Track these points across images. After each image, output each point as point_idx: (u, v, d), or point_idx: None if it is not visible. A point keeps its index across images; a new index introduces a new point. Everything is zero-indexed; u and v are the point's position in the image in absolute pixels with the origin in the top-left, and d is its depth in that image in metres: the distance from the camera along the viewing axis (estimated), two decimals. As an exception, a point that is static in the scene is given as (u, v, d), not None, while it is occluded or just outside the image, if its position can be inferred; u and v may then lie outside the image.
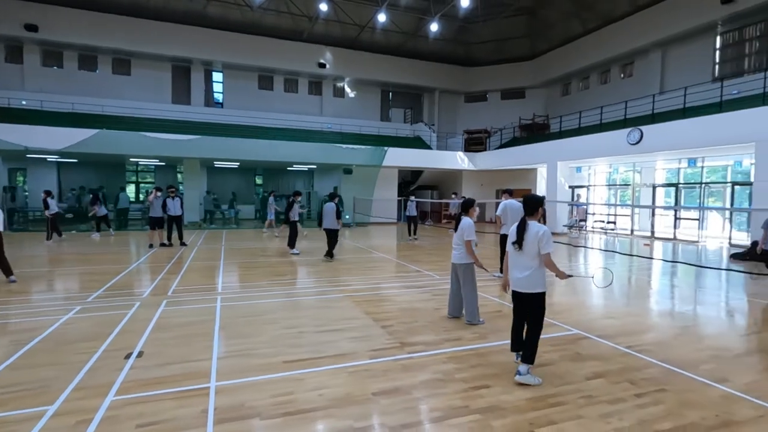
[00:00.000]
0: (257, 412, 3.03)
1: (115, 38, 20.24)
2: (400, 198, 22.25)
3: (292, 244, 11.32)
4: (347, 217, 21.39)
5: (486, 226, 21.64)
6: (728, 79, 15.89)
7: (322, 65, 24.13)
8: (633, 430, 2.87)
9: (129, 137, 16.95)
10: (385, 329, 4.99)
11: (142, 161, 21.07)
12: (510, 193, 8.18)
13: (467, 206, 5.45)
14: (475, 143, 24.70)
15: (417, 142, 24.94)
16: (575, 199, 20.20)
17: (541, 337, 4.38)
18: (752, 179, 12.20)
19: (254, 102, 23.78)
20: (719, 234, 16.13)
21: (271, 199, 17.14)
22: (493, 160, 22.87)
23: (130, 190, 22.85)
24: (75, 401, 3.15)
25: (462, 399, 3.29)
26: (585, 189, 20.94)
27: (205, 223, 19.59)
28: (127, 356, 4.03)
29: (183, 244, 12.49)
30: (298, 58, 23.71)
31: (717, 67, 17.11)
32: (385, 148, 21.17)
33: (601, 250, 13.60)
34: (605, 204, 20.14)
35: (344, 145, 20.73)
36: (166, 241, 12.32)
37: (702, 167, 16.53)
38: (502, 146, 23.80)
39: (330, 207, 10.09)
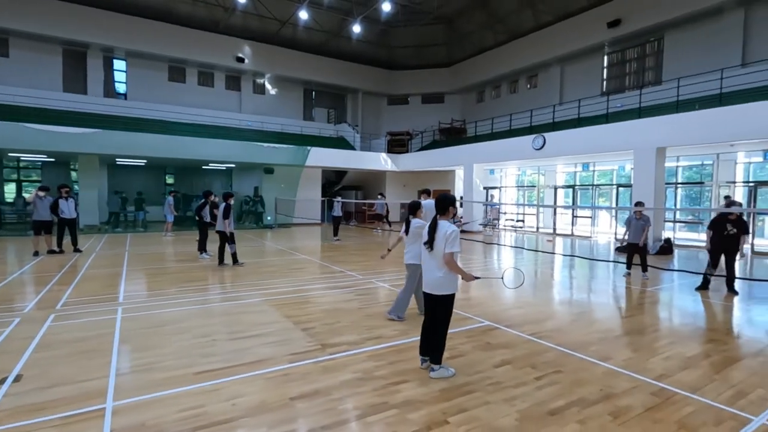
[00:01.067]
0: (162, 430, 2.80)
1: (-14, 13, 17.39)
2: (324, 198, 22.03)
3: (202, 247, 10.65)
4: (269, 218, 20.69)
5: (408, 226, 22.24)
6: (613, 94, 18.14)
7: (241, 59, 23.03)
8: (532, 411, 3.15)
9: (5, 128, 14.64)
10: (306, 332, 4.90)
11: (25, 156, 18.36)
12: (428, 194, 8.47)
13: (415, 208, 5.52)
14: (397, 145, 25.33)
15: (341, 143, 24.88)
16: (489, 199, 21.62)
17: (457, 329, 4.62)
18: (632, 182, 14.04)
19: (164, 95, 21.93)
20: (608, 230, 18.33)
21: (169, 199, 15.89)
22: (415, 161, 23.61)
23: (10, 189, 19.81)
24: (-73, 440, 2.65)
25: (380, 396, 3.35)
26: (498, 190, 22.50)
27: (108, 226, 17.66)
28: (0, 381, 3.48)
29: (77, 250, 11.12)
30: (214, 50, 22.35)
31: (605, 83, 19.42)
32: (308, 147, 20.81)
33: (512, 246, 14.71)
34: (515, 204, 21.83)
35: (265, 144, 19.99)
36: (55, 248, 10.87)
37: (594, 171, 18.66)
38: (423, 148, 24.66)
39: (220, 207, 9.45)
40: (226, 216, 9.21)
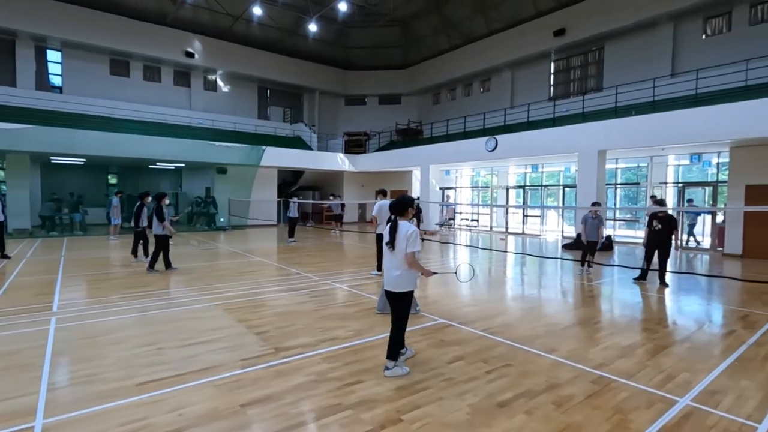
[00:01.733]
0: (99, 447, 2.63)
1: None
2: (280, 199, 21.59)
3: (144, 252, 10.06)
4: (222, 220, 19.99)
5: (366, 226, 22.31)
6: (559, 99, 19.11)
7: (190, 54, 22.08)
8: (482, 404, 3.25)
9: None
10: (260, 336, 4.78)
11: (-58, 154, 16.59)
12: (384, 194, 8.56)
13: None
14: (355, 145, 25.29)
15: (297, 142, 24.49)
16: (445, 199, 22.08)
17: (412, 328, 4.67)
18: (577, 182, 14.86)
19: (105, 89, 20.58)
20: (555, 228, 19.28)
21: (115, 200, 14.97)
22: (372, 162, 23.68)
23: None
24: None
25: (335, 397, 3.33)
26: (453, 190, 23.04)
27: (43, 230, 16.32)
28: None
29: (5, 256, 10.20)
30: (161, 43, 21.28)
31: (552, 88, 20.41)
32: (263, 147, 20.31)
33: (467, 246, 15.11)
34: (470, 204, 22.45)
35: (217, 143, 19.28)
36: (-22, 254, 9.92)
37: (542, 172, 19.56)
38: (380, 149, 24.78)
39: (151, 209, 8.90)
40: (160, 218, 8.60)
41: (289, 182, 26.64)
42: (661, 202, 8.50)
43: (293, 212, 15.06)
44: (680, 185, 15.17)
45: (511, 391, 3.46)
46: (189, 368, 3.84)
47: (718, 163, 13.96)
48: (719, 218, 13.14)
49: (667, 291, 7.45)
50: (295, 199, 15.55)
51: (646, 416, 3.08)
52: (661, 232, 7.71)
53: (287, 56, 25.29)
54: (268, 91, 26.51)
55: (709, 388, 3.57)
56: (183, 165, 21.12)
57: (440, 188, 21.62)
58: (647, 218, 8.18)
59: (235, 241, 15.02)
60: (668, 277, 8.04)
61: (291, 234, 14.90)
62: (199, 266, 9.50)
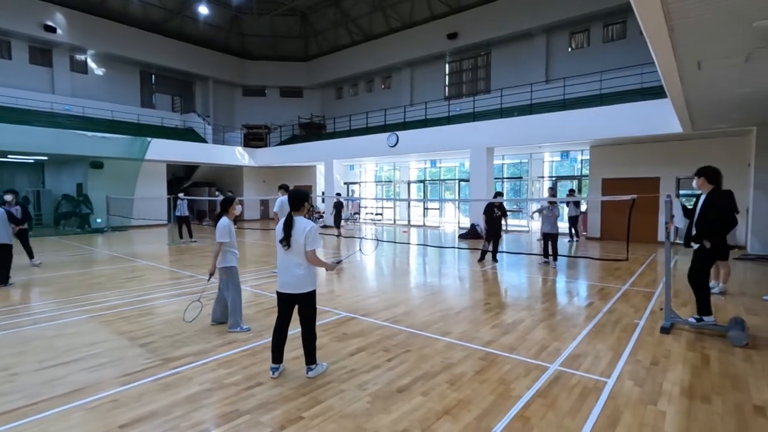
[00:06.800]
0: None
1: None
2: (170, 196, 19.66)
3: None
4: (99, 221, 17.60)
5: (271, 223, 21.48)
6: (453, 98, 20.41)
7: (51, 29, 18.90)
8: (382, 391, 3.35)
9: None
10: (144, 347, 4.32)
11: None
12: (287, 189, 8.30)
13: (227, 205, 5.10)
14: (254, 138, 24.08)
15: (189, 134, 22.51)
16: (350, 194, 22.23)
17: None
18: (470, 177, 16.05)
19: (-70, 63, 16.68)
20: (453, 219, 20.65)
21: None
22: (274, 156, 22.82)
23: None
24: None
25: (231, 404, 3.16)
26: (358, 185, 23.30)
27: None
28: None
29: None
30: (10, 13, 17.84)
31: (447, 88, 21.69)
32: (148, 138, 18.27)
33: (373, 239, 15.40)
34: (374, 198, 22.92)
35: (90, 133, 16.85)
36: None
37: (440, 168, 20.75)
38: (282, 143, 23.99)
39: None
40: (16, 221, 7.28)
41: (181, 178, 24.43)
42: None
43: (182, 211, 13.88)
44: (554, 178, 17.29)
45: (410, 376, 3.63)
46: (52, 393, 3.32)
47: (581, 160, 16.18)
48: (583, 207, 15.28)
49: (546, 271, 8.45)
50: (182, 196, 14.32)
51: (524, 383, 3.47)
52: (501, 218, 9.23)
53: (175, 39, 23.05)
54: (153, 76, 23.89)
55: (573, 353, 4.13)
56: (45, 158, 18.09)
57: (345, 183, 21.71)
58: (487, 207, 9.28)
59: (117, 244, 13.37)
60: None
61: (181, 234, 13.74)
62: (69, 274, 8.25)
